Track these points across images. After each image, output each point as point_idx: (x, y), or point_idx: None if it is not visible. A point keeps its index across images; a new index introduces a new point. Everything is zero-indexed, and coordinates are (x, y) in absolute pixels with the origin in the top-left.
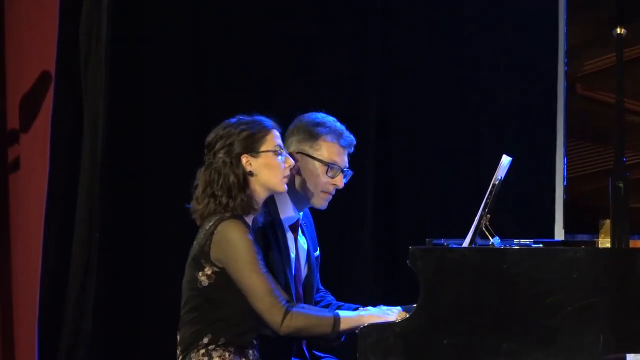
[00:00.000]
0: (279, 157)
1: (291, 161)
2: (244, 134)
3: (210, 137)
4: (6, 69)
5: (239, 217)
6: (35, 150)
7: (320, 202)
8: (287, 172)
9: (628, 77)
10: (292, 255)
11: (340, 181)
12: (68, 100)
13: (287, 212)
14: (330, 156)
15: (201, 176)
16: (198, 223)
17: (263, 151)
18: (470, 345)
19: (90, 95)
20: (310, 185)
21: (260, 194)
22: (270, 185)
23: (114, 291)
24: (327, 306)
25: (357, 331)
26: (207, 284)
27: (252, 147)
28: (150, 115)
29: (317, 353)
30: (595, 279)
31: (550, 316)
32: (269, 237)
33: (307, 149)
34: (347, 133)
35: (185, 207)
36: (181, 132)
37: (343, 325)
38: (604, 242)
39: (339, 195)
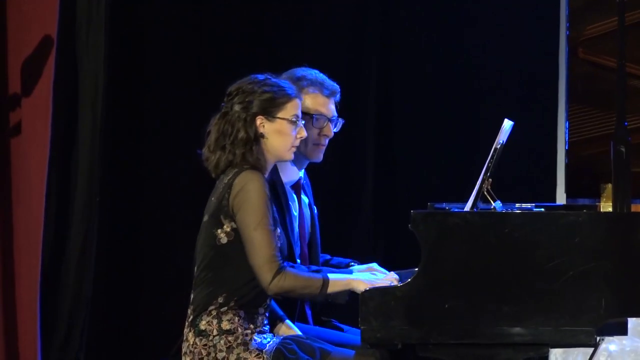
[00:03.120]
0: (293, 127)
1: (304, 132)
2: (266, 95)
3: (233, 88)
4: (8, 33)
5: (259, 169)
6: (36, 115)
7: (315, 154)
8: (297, 143)
9: (630, 41)
10: (295, 213)
11: (329, 130)
12: (70, 64)
13: (288, 171)
14: (315, 107)
15: (215, 124)
16: (213, 175)
17: (279, 118)
18: (471, 309)
19: (90, 59)
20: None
21: (268, 157)
22: (278, 151)
23: (114, 255)
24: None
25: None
26: (225, 242)
27: (269, 110)
28: (151, 78)
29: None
30: (596, 243)
31: (552, 280)
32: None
33: None
34: (329, 82)
35: (197, 154)
36: (183, 95)
37: (331, 288)
38: (606, 206)
39: (340, 158)
